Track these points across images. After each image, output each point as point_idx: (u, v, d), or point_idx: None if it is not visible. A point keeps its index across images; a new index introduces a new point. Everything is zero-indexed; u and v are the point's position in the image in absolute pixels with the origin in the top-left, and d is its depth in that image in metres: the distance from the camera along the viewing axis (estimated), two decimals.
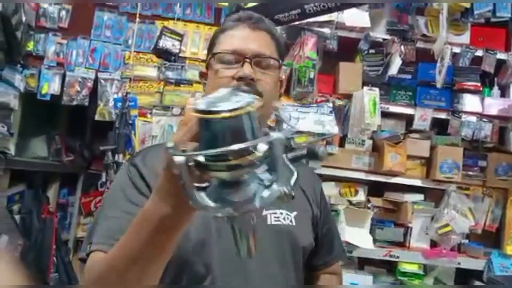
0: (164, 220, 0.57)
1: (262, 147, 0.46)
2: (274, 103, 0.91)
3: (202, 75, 0.96)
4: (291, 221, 0.88)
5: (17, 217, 2.32)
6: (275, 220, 0.87)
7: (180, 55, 2.22)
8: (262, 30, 0.89)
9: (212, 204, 0.49)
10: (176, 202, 0.56)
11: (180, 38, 2.18)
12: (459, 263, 2.03)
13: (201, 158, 0.47)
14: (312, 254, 0.94)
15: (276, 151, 0.47)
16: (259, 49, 0.86)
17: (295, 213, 0.90)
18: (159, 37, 2.13)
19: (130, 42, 2.25)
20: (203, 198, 0.50)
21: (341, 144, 2.10)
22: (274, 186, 0.48)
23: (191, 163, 0.48)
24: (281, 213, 0.88)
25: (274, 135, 0.47)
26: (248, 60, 0.84)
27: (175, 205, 0.56)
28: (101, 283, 0.66)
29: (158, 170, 0.79)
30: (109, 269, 0.65)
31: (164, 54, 2.14)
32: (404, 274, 2.03)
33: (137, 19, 2.24)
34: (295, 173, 0.51)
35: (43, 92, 2.20)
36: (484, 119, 2.13)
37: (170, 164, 0.50)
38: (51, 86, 2.21)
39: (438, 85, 2.03)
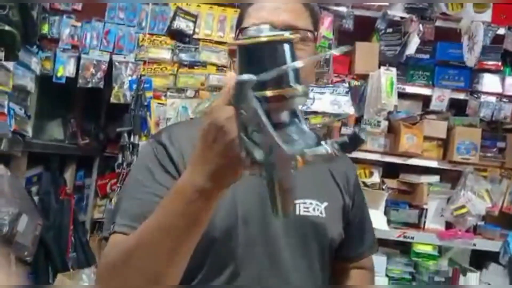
0: (199, 190, 0.56)
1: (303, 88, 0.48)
2: (310, 81, 0.85)
3: (231, 52, 0.88)
4: (321, 212, 0.83)
5: (35, 198, 2.37)
6: (304, 211, 0.82)
7: (194, 36, 2.21)
8: (295, 0, 0.81)
9: (256, 149, 0.48)
10: (214, 167, 0.54)
11: (194, 19, 2.17)
12: (474, 245, 2.02)
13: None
14: (341, 245, 0.88)
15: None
16: (292, 20, 0.78)
17: (325, 204, 0.84)
18: (173, 18, 2.12)
19: (144, 24, 2.24)
20: (248, 142, 0.49)
21: (357, 125, 2.08)
22: (317, 145, 0.47)
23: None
24: (311, 203, 0.83)
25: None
26: None
27: (213, 171, 0.54)
28: (125, 260, 0.61)
29: (185, 149, 0.78)
30: (138, 243, 0.61)
31: (178, 36, 2.13)
32: (419, 255, 2.03)
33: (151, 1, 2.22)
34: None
35: (59, 75, 2.21)
36: (504, 100, 2.08)
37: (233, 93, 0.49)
38: (66, 69, 2.22)
39: (470, 64, 1.98)
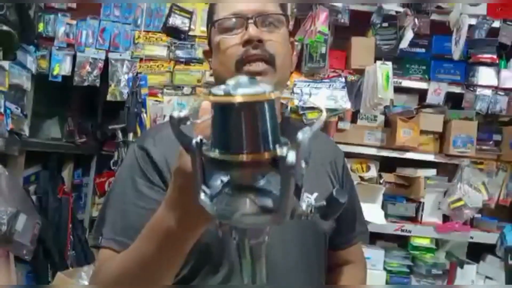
0: (171, 232, 0.54)
1: (291, 154, 0.38)
2: (288, 65, 0.83)
3: (206, 53, 0.87)
4: None
5: (33, 197, 2.37)
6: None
7: (190, 33, 2.20)
8: None
9: (219, 208, 0.42)
10: (183, 214, 0.52)
11: (189, 16, 2.16)
12: (471, 237, 2.03)
13: (214, 153, 0.40)
14: (332, 234, 0.87)
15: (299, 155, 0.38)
16: (261, 6, 0.78)
17: (315, 194, 0.82)
18: (169, 15, 2.11)
19: (139, 21, 2.24)
20: (209, 202, 0.42)
21: (353, 119, 2.09)
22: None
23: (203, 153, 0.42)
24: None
25: (301, 135, 0.38)
26: (251, 21, 0.76)
27: (182, 217, 0.52)
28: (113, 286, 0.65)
29: (169, 152, 0.74)
30: (120, 274, 0.64)
31: (174, 32, 2.13)
32: (416, 248, 2.05)
33: None
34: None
35: (55, 73, 2.21)
36: (500, 93, 2.09)
37: (181, 140, 0.44)
38: (62, 67, 2.22)
39: (455, 57, 1.99)
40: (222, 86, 0.40)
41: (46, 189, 2.42)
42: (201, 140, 0.42)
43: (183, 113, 0.43)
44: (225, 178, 0.43)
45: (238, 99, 0.38)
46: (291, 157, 0.37)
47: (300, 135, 0.38)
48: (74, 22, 2.23)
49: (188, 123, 0.43)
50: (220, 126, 0.40)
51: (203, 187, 0.43)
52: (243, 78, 0.41)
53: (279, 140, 0.41)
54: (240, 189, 0.41)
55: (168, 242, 0.55)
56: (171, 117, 0.43)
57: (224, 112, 0.40)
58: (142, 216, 0.69)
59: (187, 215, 0.52)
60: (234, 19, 0.77)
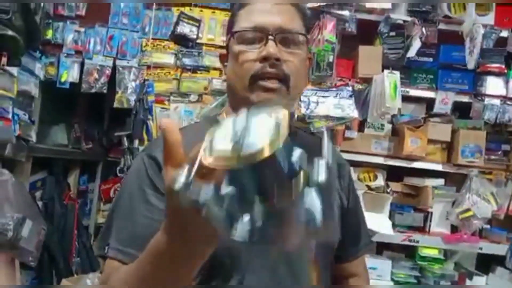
0: (175, 258, 0.51)
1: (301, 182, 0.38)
2: (303, 86, 0.83)
3: (222, 57, 0.87)
4: None
5: (39, 203, 2.37)
6: None
7: (197, 41, 2.21)
8: (285, 2, 0.79)
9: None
10: (185, 242, 0.49)
11: (197, 24, 2.18)
12: (480, 248, 2.00)
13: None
14: (338, 246, 0.86)
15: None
16: (284, 23, 0.76)
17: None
18: (177, 23, 2.13)
19: (147, 29, 2.25)
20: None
21: (361, 128, 2.08)
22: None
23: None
24: None
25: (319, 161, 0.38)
26: (271, 37, 0.75)
27: (184, 246, 0.49)
28: None
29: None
30: None
31: (182, 40, 2.14)
32: (424, 258, 2.02)
33: (154, 6, 2.23)
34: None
35: (62, 80, 2.22)
36: (508, 102, 2.08)
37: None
38: (70, 74, 2.23)
39: (470, 66, 1.99)
40: (221, 135, 0.39)
41: (52, 195, 2.42)
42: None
43: (183, 178, 0.41)
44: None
45: (265, 153, 0.37)
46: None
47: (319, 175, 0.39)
48: (82, 29, 2.25)
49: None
50: (233, 181, 0.40)
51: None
52: (241, 118, 0.39)
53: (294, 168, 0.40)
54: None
55: (171, 267, 0.53)
56: (175, 190, 0.41)
57: (233, 172, 0.39)
58: (150, 227, 0.68)
59: (192, 244, 0.49)
60: (254, 33, 0.77)
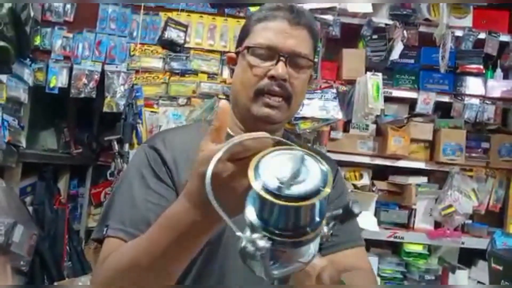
0: (195, 226, 0.54)
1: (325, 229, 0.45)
2: (301, 102, 0.88)
3: (230, 60, 0.90)
4: None
5: (30, 208, 2.38)
6: None
7: (185, 46, 2.25)
8: (302, 26, 0.82)
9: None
10: (209, 210, 0.49)
11: (184, 29, 2.21)
12: (463, 243, 2.07)
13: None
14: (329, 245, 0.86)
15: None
16: (297, 47, 0.81)
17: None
18: (164, 28, 2.16)
19: (135, 34, 2.28)
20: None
21: (346, 129, 2.13)
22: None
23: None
24: None
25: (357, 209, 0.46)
26: (283, 58, 0.80)
27: (208, 213, 0.51)
28: (120, 277, 0.63)
29: (179, 154, 0.79)
30: (130, 264, 0.62)
31: (170, 45, 2.17)
32: (409, 254, 2.08)
33: (142, 11, 2.26)
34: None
35: (51, 85, 2.23)
36: (487, 101, 2.16)
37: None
38: (59, 80, 2.24)
39: (442, 70, 2.07)
40: (268, 171, 0.43)
41: (42, 200, 2.43)
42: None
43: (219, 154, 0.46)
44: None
45: (295, 203, 0.41)
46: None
47: (356, 209, 0.46)
48: (70, 35, 2.26)
49: None
50: (264, 211, 0.43)
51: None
52: (287, 157, 0.44)
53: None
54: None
55: (191, 234, 0.55)
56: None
57: (272, 205, 0.42)
58: (151, 211, 0.73)
59: (214, 211, 0.50)
60: (268, 50, 0.81)
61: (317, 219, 0.44)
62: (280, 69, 0.79)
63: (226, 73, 2.17)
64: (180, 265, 0.60)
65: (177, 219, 0.55)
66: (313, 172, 0.42)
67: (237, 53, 0.88)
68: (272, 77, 0.80)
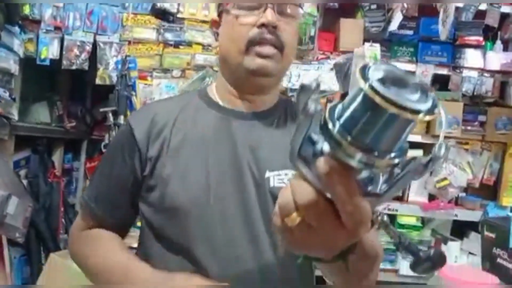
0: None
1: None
2: (293, 58, 0.86)
3: (214, 23, 0.88)
4: None
5: (24, 181, 2.37)
6: (279, 182, 0.78)
7: (179, 16, 2.19)
8: None
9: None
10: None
11: None
12: (456, 215, 2.09)
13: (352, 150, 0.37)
14: None
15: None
16: None
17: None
18: None
19: (127, 3, 2.21)
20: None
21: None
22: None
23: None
24: (286, 174, 0.78)
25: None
26: (271, 5, 0.77)
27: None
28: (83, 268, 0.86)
29: (159, 125, 0.82)
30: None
31: (163, 14, 2.11)
32: (403, 226, 2.10)
33: None
34: None
35: (42, 56, 2.18)
36: (486, 74, 2.13)
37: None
38: (50, 51, 2.19)
39: (442, 38, 2.02)
40: (380, 73, 0.35)
41: (36, 173, 2.41)
42: (320, 109, 0.39)
43: (314, 84, 0.39)
44: (326, 150, 0.39)
45: (413, 114, 0.34)
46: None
47: (437, 149, 0.40)
48: (60, 4, 2.19)
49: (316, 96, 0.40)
50: (367, 121, 0.36)
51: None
52: (398, 71, 0.37)
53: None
54: (346, 167, 0.39)
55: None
56: (303, 86, 0.40)
57: (379, 113, 0.35)
58: (111, 189, 0.86)
59: None
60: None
61: (395, 149, 0.38)
62: (269, 15, 0.77)
63: None
64: None
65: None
66: (419, 92, 0.36)
67: (220, 14, 0.85)
68: (262, 25, 0.77)
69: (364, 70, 0.36)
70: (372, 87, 0.34)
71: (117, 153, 0.85)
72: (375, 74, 0.35)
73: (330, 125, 0.37)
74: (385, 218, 0.43)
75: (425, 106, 0.35)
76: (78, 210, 2.66)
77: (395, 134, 0.37)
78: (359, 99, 0.36)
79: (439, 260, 0.44)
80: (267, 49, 0.78)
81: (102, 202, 0.86)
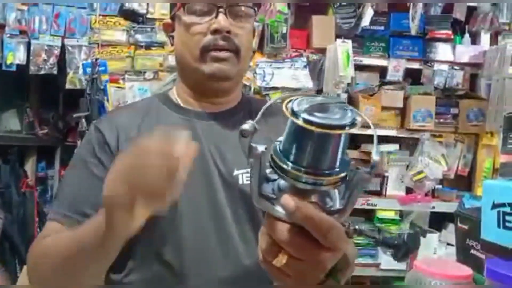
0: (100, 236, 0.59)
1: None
2: (249, 57, 0.86)
3: (166, 26, 0.86)
4: None
5: None
6: (247, 180, 0.78)
7: (150, 16, 2.15)
8: None
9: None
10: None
11: None
12: (433, 207, 2.12)
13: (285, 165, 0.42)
14: None
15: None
16: None
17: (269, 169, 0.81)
18: None
19: (95, 5, 2.16)
20: (271, 205, 0.44)
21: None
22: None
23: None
24: None
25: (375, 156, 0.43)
26: (222, 10, 0.76)
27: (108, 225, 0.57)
28: (49, 264, 0.69)
29: (123, 133, 0.79)
30: (60, 258, 0.68)
31: (131, 16, 2.07)
32: (382, 220, 2.12)
33: None
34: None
35: (8, 62, 2.11)
36: (456, 67, 2.17)
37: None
38: (16, 56, 2.12)
39: (413, 32, 2.05)
40: (303, 103, 0.41)
41: (8, 183, 2.34)
42: (266, 148, 0.44)
43: (248, 126, 0.43)
44: (282, 184, 0.45)
45: (331, 130, 0.39)
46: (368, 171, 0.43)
47: (374, 156, 0.43)
48: (25, 7, 2.13)
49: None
50: (294, 142, 0.42)
51: (267, 191, 0.45)
52: (325, 99, 0.42)
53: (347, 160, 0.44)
54: (302, 192, 0.43)
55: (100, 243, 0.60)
56: (242, 130, 0.43)
57: (309, 137, 0.40)
58: (90, 193, 0.75)
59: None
60: (205, 4, 0.77)
61: (337, 165, 0.42)
62: (222, 21, 0.76)
63: None
64: (99, 262, 0.66)
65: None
66: (340, 111, 0.42)
67: (172, 18, 0.84)
68: (215, 31, 0.76)
69: (289, 105, 0.41)
70: (302, 119, 0.39)
71: (90, 157, 0.79)
72: (300, 106, 0.41)
73: (279, 162, 0.42)
74: (356, 226, 0.48)
75: (347, 120, 0.40)
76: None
77: (332, 151, 0.41)
78: (293, 130, 0.42)
79: (413, 241, 0.48)
80: (223, 53, 0.78)
81: (80, 206, 0.76)
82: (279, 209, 0.43)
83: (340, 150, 0.42)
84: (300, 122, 0.39)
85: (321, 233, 0.41)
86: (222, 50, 0.77)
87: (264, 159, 0.44)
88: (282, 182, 0.44)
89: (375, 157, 0.43)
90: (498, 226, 0.64)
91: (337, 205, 0.45)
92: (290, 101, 0.42)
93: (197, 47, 0.78)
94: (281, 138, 0.44)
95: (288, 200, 0.41)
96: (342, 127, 0.40)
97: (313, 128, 0.39)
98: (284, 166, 0.42)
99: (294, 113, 0.40)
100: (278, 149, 0.43)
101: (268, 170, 0.45)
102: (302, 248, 0.43)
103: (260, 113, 0.44)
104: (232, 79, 0.82)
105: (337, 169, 0.42)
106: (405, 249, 0.48)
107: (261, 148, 0.43)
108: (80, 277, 0.67)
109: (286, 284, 0.45)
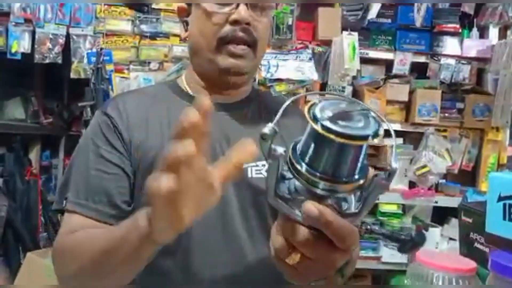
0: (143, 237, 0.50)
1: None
2: (265, 50, 0.84)
3: (181, 11, 0.83)
4: None
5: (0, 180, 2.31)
6: (257, 173, 0.77)
7: (155, 6, 2.14)
8: None
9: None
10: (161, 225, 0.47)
11: None
12: (436, 202, 2.12)
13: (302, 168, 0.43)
14: None
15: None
16: None
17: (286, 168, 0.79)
18: None
19: None
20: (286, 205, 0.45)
21: (322, 91, 2.10)
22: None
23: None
24: (264, 165, 0.76)
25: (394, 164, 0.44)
26: (243, 0, 0.75)
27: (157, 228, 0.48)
28: (76, 269, 0.64)
29: (132, 118, 0.77)
30: (88, 260, 0.62)
31: (137, 5, 2.06)
32: (384, 214, 2.12)
33: None
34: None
35: (13, 50, 2.10)
36: (463, 61, 2.15)
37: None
38: (21, 44, 2.12)
39: (417, 24, 2.03)
40: (326, 108, 0.41)
41: (12, 171, 2.36)
42: (285, 151, 0.44)
43: (268, 130, 0.44)
44: (298, 185, 0.45)
45: (354, 141, 0.39)
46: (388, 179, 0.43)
47: (393, 163, 0.43)
48: None
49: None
50: (323, 153, 0.42)
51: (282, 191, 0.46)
52: (345, 104, 0.43)
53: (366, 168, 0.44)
54: (319, 196, 0.44)
55: (140, 245, 0.51)
56: (263, 134, 0.44)
57: (330, 145, 0.41)
58: (104, 180, 0.74)
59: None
60: None
61: (356, 172, 0.43)
62: (242, 11, 0.74)
63: None
64: (132, 269, 0.59)
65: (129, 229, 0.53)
66: (364, 118, 0.42)
67: (188, 3, 0.81)
68: (234, 22, 0.75)
69: (311, 110, 0.41)
70: (323, 126, 0.39)
71: (101, 142, 0.76)
72: (323, 112, 0.40)
73: (297, 165, 0.43)
74: (368, 226, 0.52)
75: (370, 130, 0.40)
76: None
77: (352, 160, 0.42)
78: (314, 136, 0.42)
79: (420, 239, 0.52)
80: (240, 48, 0.76)
81: (96, 194, 0.73)
82: (296, 211, 0.44)
83: (361, 159, 0.42)
84: (321, 130, 0.39)
85: (339, 239, 0.43)
86: (239, 43, 0.76)
87: (282, 160, 0.44)
88: (298, 183, 0.45)
89: (393, 164, 0.43)
90: (504, 218, 0.64)
91: (352, 208, 0.46)
92: (312, 105, 0.42)
93: (214, 37, 0.76)
94: (301, 139, 0.44)
95: (311, 208, 0.42)
96: (364, 137, 0.39)
97: (334, 137, 0.39)
98: (303, 171, 0.42)
99: (316, 119, 0.40)
100: (298, 151, 0.44)
101: (284, 168, 0.46)
102: (317, 249, 0.44)
103: (278, 115, 0.45)
104: (247, 74, 0.81)
105: (356, 177, 0.43)
106: (411, 244, 0.52)
107: (280, 150, 0.43)
108: (113, 279, 0.61)
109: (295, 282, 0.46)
